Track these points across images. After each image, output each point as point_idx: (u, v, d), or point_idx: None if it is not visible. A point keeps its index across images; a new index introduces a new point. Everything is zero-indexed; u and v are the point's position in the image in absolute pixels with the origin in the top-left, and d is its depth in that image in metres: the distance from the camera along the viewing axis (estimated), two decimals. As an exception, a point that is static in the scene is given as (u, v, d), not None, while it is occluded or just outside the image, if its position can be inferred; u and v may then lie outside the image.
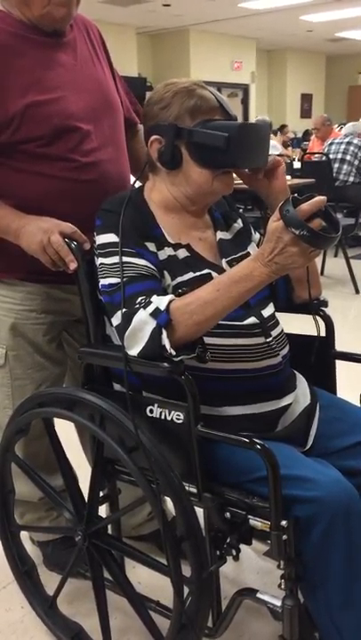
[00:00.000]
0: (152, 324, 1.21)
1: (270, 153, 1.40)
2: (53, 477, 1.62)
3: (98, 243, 1.34)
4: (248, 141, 1.29)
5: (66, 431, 1.63)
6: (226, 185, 1.35)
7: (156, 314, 1.21)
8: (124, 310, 1.24)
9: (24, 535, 1.77)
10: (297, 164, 6.09)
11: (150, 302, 1.22)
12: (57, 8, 1.41)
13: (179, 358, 1.21)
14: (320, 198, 1.12)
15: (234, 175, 1.39)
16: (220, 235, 1.43)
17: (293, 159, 6.58)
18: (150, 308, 1.21)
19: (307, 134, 10.91)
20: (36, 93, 1.41)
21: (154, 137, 1.33)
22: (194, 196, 1.36)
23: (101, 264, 1.32)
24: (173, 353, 1.20)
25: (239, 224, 1.49)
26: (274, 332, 1.38)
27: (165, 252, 1.32)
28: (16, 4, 1.44)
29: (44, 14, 1.42)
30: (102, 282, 1.31)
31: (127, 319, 1.23)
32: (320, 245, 1.13)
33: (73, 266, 1.38)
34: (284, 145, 9.17)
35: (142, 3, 9.48)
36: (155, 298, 1.23)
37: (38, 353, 1.61)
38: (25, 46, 1.43)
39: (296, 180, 5.28)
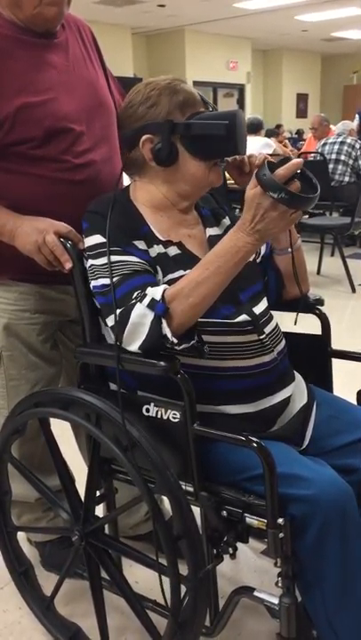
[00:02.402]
0: (150, 315, 1.21)
1: (264, 152, 1.40)
2: (50, 477, 1.62)
3: (86, 245, 1.34)
4: (241, 128, 1.31)
5: (62, 431, 1.62)
6: (219, 175, 1.37)
7: (152, 305, 1.21)
8: (119, 310, 1.24)
9: (21, 536, 1.77)
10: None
11: (145, 295, 1.23)
12: (48, 7, 1.41)
13: (181, 347, 1.22)
14: (296, 160, 1.13)
15: (227, 175, 1.40)
16: (211, 231, 1.44)
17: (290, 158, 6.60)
18: (146, 301, 1.22)
19: (299, 133, 10.93)
20: (29, 95, 1.41)
21: (146, 137, 1.32)
22: (189, 191, 1.37)
23: (92, 265, 1.32)
24: (175, 341, 1.20)
25: (228, 220, 1.50)
26: (267, 329, 1.38)
27: (155, 250, 1.32)
28: (7, 5, 1.43)
29: (36, 14, 1.41)
30: (94, 283, 1.32)
31: (125, 316, 1.23)
32: (300, 206, 1.14)
33: (68, 265, 1.38)
34: (283, 144, 9.17)
35: (137, 3, 9.49)
36: (149, 290, 1.23)
37: (32, 353, 1.61)
38: (17, 47, 1.43)
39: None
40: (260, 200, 1.13)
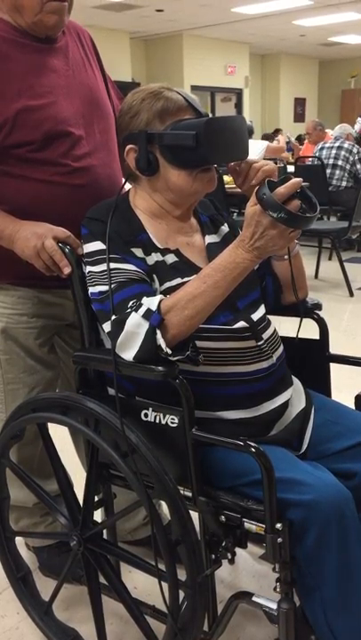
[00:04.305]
0: (145, 325, 1.21)
1: (259, 154, 1.40)
2: (48, 482, 1.62)
3: (85, 251, 1.34)
4: (219, 136, 1.29)
5: (60, 435, 1.62)
6: (206, 183, 1.35)
7: (148, 315, 1.21)
8: (114, 317, 1.24)
9: (19, 541, 1.76)
10: (291, 168, 6.11)
11: (141, 305, 1.23)
12: (49, 16, 1.42)
13: (175, 358, 1.22)
14: (296, 180, 1.13)
15: (226, 179, 1.39)
16: (209, 239, 1.44)
17: (286, 163, 6.61)
18: (142, 310, 1.22)
19: (300, 139, 10.95)
20: (29, 98, 1.42)
21: (129, 147, 1.33)
22: (177, 200, 1.36)
23: (90, 272, 1.32)
24: (169, 352, 1.21)
25: (226, 227, 1.50)
26: (265, 335, 1.38)
27: (153, 258, 1.32)
28: (8, 11, 1.44)
29: (36, 21, 1.42)
30: (92, 290, 1.32)
31: (120, 324, 1.23)
32: (298, 226, 1.14)
33: (67, 270, 1.38)
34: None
35: (136, 8, 9.52)
36: (145, 300, 1.23)
37: (30, 357, 1.61)
38: (17, 51, 1.44)
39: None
40: (259, 218, 1.13)
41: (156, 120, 1.30)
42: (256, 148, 6.10)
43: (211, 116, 1.32)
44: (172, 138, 1.28)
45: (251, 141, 7.27)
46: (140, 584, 1.65)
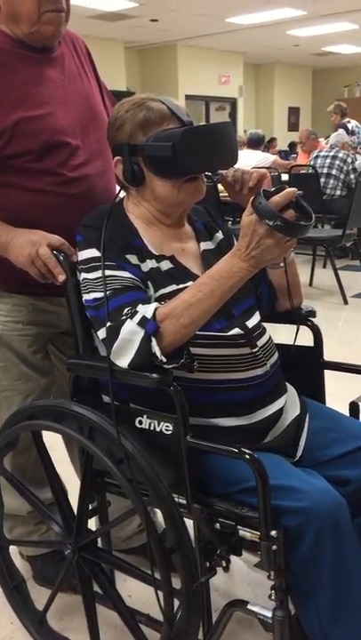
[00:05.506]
0: (140, 333, 1.21)
1: (260, 166, 1.41)
2: (42, 490, 1.61)
3: (80, 258, 1.35)
4: (199, 145, 1.29)
5: (54, 443, 1.62)
6: (192, 193, 1.35)
7: (143, 322, 1.21)
8: (109, 324, 1.24)
9: (13, 550, 1.75)
10: (285, 177, 6.13)
11: (136, 312, 1.23)
12: (46, 26, 1.43)
13: (170, 366, 1.22)
14: (291, 189, 1.14)
15: (221, 187, 1.40)
16: (204, 245, 1.44)
17: (279, 172, 6.64)
18: (137, 318, 1.22)
19: (293, 146, 11.02)
20: (26, 109, 1.43)
21: (116, 158, 1.35)
22: (164, 209, 1.37)
23: (85, 279, 1.32)
24: (164, 360, 1.21)
25: (221, 234, 1.50)
26: (260, 342, 1.38)
27: (148, 265, 1.33)
28: (5, 21, 1.45)
29: (34, 32, 1.43)
30: (86, 297, 1.32)
31: (114, 331, 1.23)
32: (294, 234, 1.15)
33: (61, 278, 1.38)
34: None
35: (130, 18, 9.57)
36: (140, 307, 1.24)
37: (24, 364, 1.61)
38: (14, 62, 1.44)
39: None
40: (255, 227, 1.14)
41: (138, 131, 1.31)
42: (252, 159, 6.12)
43: (202, 124, 1.32)
44: (152, 149, 1.29)
45: (247, 151, 7.25)
46: (135, 592, 1.64)
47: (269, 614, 1.21)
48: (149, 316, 1.21)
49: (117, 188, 1.45)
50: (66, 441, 1.76)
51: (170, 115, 1.31)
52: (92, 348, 1.42)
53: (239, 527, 1.21)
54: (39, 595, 1.70)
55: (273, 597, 1.20)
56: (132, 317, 1.22)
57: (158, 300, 1.29)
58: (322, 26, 10.54)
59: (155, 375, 1.22)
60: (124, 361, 1.24)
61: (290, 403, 1.43)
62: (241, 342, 1.34)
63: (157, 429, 1.26)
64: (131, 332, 1.22)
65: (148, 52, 12.34)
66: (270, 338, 1.45)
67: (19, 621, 1.63)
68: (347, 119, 7.28)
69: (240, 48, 12.57)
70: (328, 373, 1.60)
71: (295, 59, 14.06)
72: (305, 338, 1.54)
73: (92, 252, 1.32)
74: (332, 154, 5.76)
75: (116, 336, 1.23)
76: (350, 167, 5.71)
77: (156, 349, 1.20)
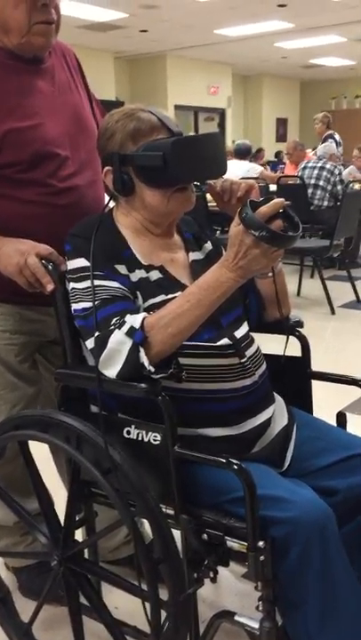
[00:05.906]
0: (128, 343, 1.21)
1: (247, 176, 1.41)
2: (28, 501, 1.60)
3: (69, 268, 1.35)
4: (189, 155, 1.29)
5: (41, 453, 1.61)
6: (182, 202, 1.35)
7: (131, 332, 1.21)
8: (97, 334, 1.24)
9: (-1, 561, 1.74)
10: (273, 187, 6.17)
11: (125, 322, 1.23)
12: (36, 37, 1.43)
13: (158, 376, 1.22)
14: (278, 200, 1.15)
15: (209, 197, 1.40)
16: (193, 255, 1.45)
17: (267, 182, 6.68)
18: (125, 328, 1.22)
19: (279, 155, 11.11)
20: (16, 120, 1.43)
21: (106, 168, 1.35)
22: (154, 219, 1.37)
23: (73, 289, 1.32)
24: (152, 370, 1.21)
25: (210, 245, 1.51)
26: (248, 352, 1.39)
27: (137, 275, 1.33)
28: (-6, 32, 1.45)
29: (24, 43, 1.44)
30: (75, 306, 1.32)
31: (102, 341, 1.23)
32: (281, 245, 1.16)
33: (50, 287, 1.38)
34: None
35: (120, 28, 9.62)
36: (128, 317, 1.24)
37: (11, 373, 1.60)
38: (4, 72, 1.45)
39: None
40: (242, 237, 1.14)
41: (128, 141, 1.31)
42: (239, 169, 6.15)
43: (191, 134, 1.33)
44: (142, 159, 1.30)
45: (234, 161, 7.29)
46: (122, 604, 1.63)
47: (257, 625, 1.21)
48: (137, 325, 1.21)
49: (107, 197, 1.46)
50: (53, 451, 1.75)
51: (160, 125, 1.32)
52: (80, 358, 1.42)
53: (227, 538, 1.21)
54: (25, 607, 1.68)
55: (260, 608, 1.20)
56: (120, 327, 1.22)
57: (147, 310, 1.29)
58: (309, 38, 10.65)
59: (143, 385, 1.22)
60: (112, 371, 1.24)
61: (278, 413, 1.43)
62: (229, 352, 1.35)
63: (145, 439, 1.26)
64: (119, 341, 1.22)
65: (137, 62, 12.40)
66: (258, 348, 1.45)
67: (4, 634, 1.61)
68: (331, 131, 7.34)
69: (229, 59, 12.67)
70: (316, 383, 1.60)
71: (283, 70, 14.19)
72: (293, 348, 1.55)
73: (81, 262, 1.32)
74: (319, 165, 5.81)
75: (105, 346, 1.23)
76: (337, 178, 5.76)
77: (144, 359, 1.20)
